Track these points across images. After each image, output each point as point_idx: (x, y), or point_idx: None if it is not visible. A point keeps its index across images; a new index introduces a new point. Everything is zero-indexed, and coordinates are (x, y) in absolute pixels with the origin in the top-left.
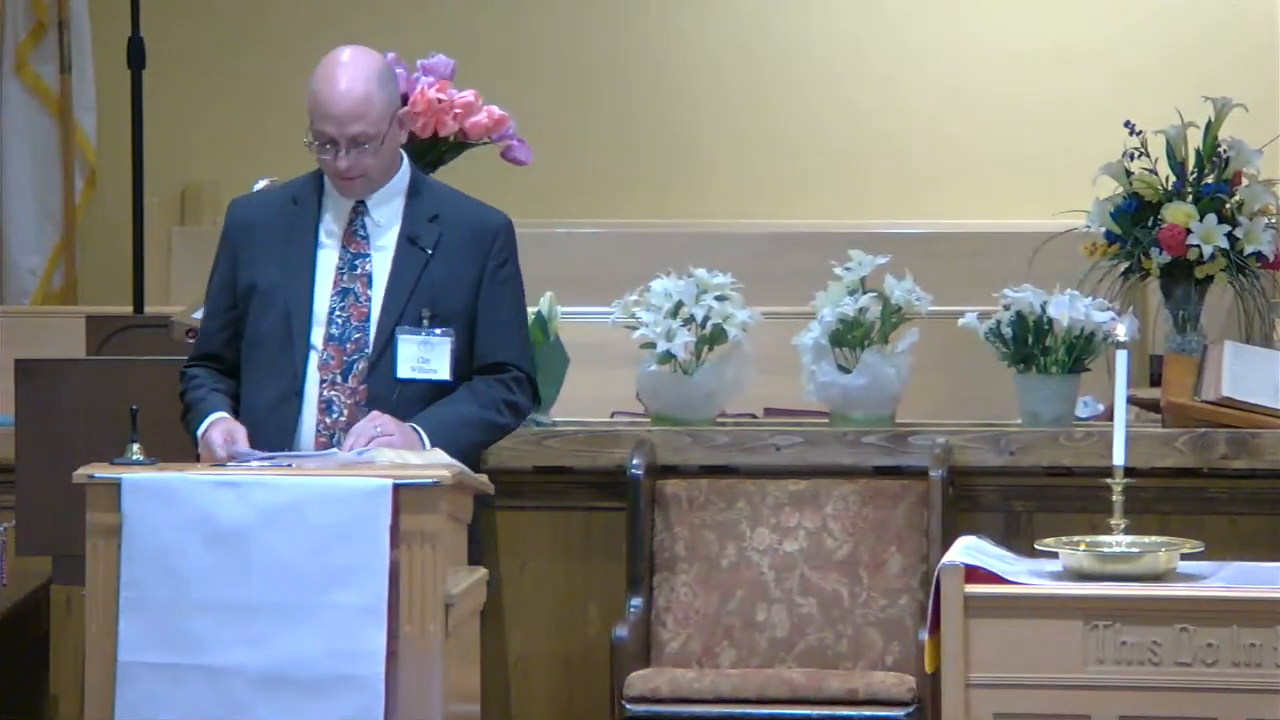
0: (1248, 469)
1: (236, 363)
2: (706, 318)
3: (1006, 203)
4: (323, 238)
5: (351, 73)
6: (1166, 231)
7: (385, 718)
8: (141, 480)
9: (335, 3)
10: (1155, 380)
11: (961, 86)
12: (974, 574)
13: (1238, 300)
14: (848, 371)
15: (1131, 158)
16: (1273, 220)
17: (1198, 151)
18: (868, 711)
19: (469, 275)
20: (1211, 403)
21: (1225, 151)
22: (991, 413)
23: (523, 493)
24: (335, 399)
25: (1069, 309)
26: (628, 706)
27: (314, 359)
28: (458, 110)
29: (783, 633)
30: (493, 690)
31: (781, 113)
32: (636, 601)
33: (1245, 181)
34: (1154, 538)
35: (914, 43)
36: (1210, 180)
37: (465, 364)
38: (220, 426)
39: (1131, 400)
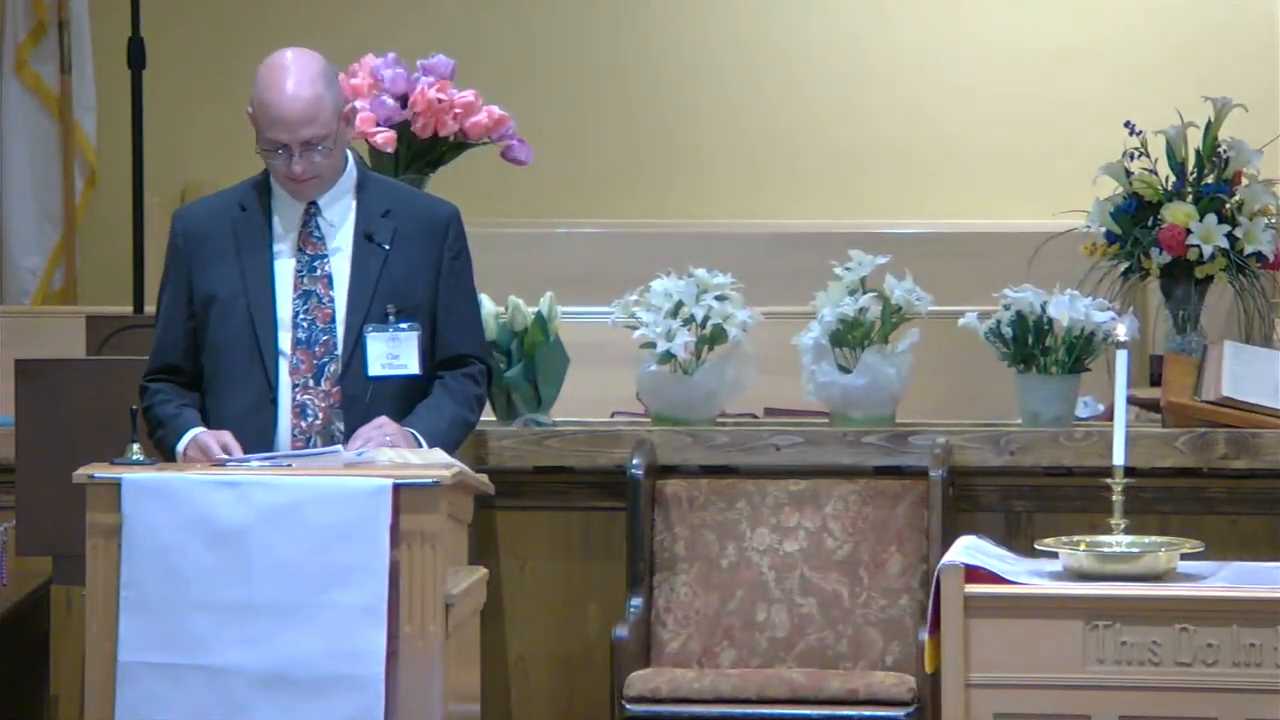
0: (1248, 469)
1: (196, 374)
2: (706, 318)
3: (1006, 203)
4: (277, 242)
5: (297, 76)
6: (1166, 231)
7: (385, 718)
8: (141, 480)
9: (335, 3)
10: (1155, 380)
11: (961, 86)
12: (974, 574)
13: (1238, 300)
14: (848, 371)
15: (1131, 158)
16: (1273, 220)
17: (1198, 151)
18: (868, 711)
19: (427, 267)
20: (1211, 403)
21: (1225, 151)
22: (991, 413)
23: (523, 493)
24: (309, 403)
25: (1069, 309)
26: (628, 706)
27: (284, 364)
28: (458, 110)
29: (783, 633)
30: (493, 690)
31: (781, 113)
32: (636, 601)
33: (1245, 181)
34: (1154, 538)
35: (914, 43)
36: (1210, 180)
37: (429, 356)
38: (210, 434)
39: (1131, 400)
